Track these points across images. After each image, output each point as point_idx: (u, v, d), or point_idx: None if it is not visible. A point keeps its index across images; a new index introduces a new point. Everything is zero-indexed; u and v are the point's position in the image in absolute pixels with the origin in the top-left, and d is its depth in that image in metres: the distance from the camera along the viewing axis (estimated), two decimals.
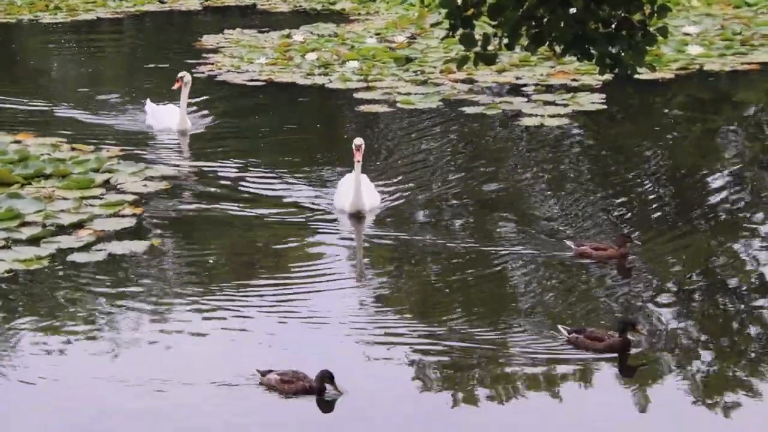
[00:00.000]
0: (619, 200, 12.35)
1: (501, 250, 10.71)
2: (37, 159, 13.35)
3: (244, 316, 9.37)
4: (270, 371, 8.20)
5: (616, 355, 8.46)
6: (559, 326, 8.79)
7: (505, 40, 5.71)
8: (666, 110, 16.56)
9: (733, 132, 15.45)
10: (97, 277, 10.28)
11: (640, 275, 10.27)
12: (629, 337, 8.50)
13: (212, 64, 18.93)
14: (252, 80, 17.84)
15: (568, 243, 10.63)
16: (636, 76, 6.12)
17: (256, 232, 11.40)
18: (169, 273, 10.48)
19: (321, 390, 8.07)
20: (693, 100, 17.20)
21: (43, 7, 23.70)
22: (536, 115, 15.37)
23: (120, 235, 11.19)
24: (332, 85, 17.36)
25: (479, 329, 8.99)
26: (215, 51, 19.89)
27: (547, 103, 15.95)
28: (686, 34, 19.77)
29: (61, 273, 10.35)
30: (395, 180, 12.83)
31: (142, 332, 9.14)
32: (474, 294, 9.85)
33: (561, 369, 8.36)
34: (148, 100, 15.42)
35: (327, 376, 8.02)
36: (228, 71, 18.38)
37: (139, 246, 10.89)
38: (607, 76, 6.08)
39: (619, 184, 12.88)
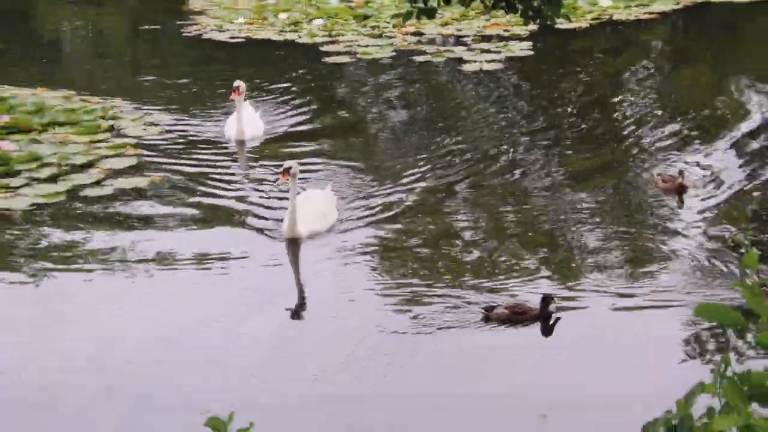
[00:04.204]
0: (547, 130, 12.37)
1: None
2: (51, 109, 13.14)
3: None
4: (495, 306, 7.50)
5: None
6: None
7: None
8: (583, 54, 16.51)
9: (639, 70, 15.46)
10: (107, 208, 10.19)
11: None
12: None
13: (198, 24, 18.61)
14: (233, 38, 17.56)
15: (655, 173, 9.96)
16: (556, 26, 6.04)
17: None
18: (168, 205, 10.36)
19: (548, 315, 7.41)
20: (605, 44, 17.15)
21: None
22: (475, 62, 15.28)
23: (124, 172, 11.08)
24: (302, 41, 17.13)
25: None
26: (200, 13, 19.53)
27: (484, 51, 15.85)
28: None
29: (76, 205, 10.25)
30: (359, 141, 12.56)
31: (150, 259, 8.99)
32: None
33: None
34: (247, 103, 12.35)
35: (550, 299, 7.37)
36: (212, 30, 18.08)
37: (140, 181, 10.79)
38: (533, 27, 6.00)
39: (546, 117, 12.89)
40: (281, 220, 9.29)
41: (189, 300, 8.18)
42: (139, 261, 8.91)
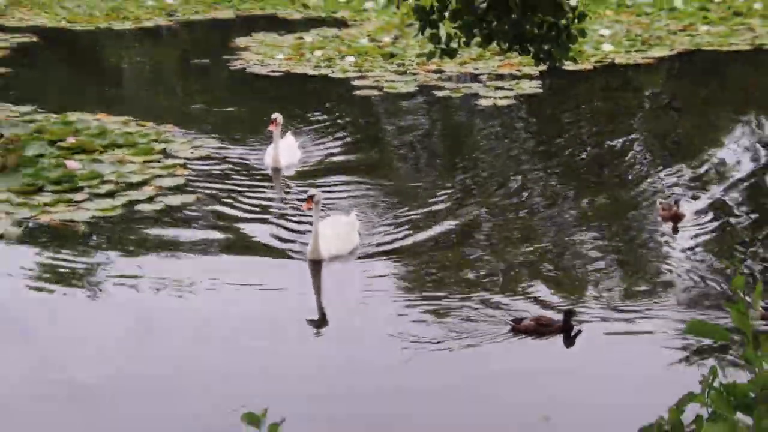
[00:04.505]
0: (554, 162, 12.33)
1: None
2: (111, 132, 13.25)
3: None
4: (522, 319, 7.30)
5: None
6: None
7: (463, 39, 5.63)
8: (587, 93, 16.47)
9: (638, 108, 15.40)
10: (158, 221, 10.23)
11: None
12: None
13: (243, 59, 18.74)
14: (273, 71, 17.66)
15: (658, 202, 9.78)
16: (564, 67, 6.04)
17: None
18: (208, 220, 10.37)
19: (570, 327, 7.21)
20: (607, 85, 17.09)
21: (115, 17, 23.37)
22: (490, 97, 15.27)
23: (174, 189, 11.13)
24: (334, 75, 17.19)
25: None
26: (245, 49, 19.66)
27: (497, 87, 15.84)
28: (601, 36, 19.62)
29: (130, 218, 10.30)
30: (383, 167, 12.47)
31: (189, 267, 9.01)
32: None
33: None
34: (289, 134, 12.48)
35: (572, 312, 7.16)
36: (255, 64, 18.19)
37: (188, 198, 10.84)
38: (542, 67, 6.00)
39: (553, 150, 12.86)
40: (306, 243, 9.20)
41: (218, 306, 8.14)
42: (180, 268, 8.93)
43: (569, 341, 7.26)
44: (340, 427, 6.32)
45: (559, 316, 7.38)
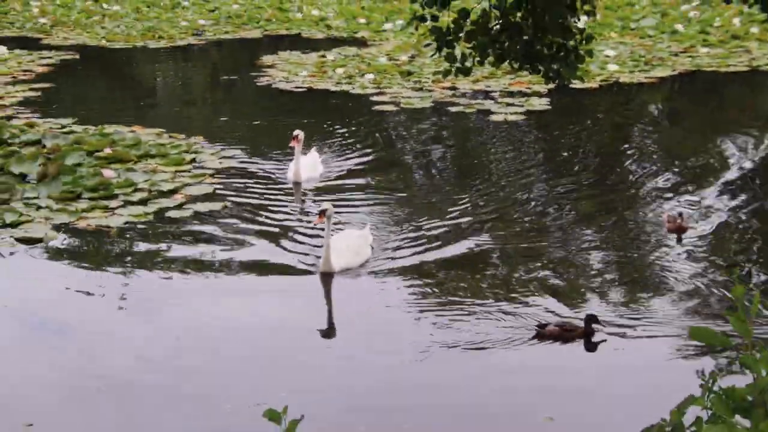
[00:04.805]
0: (562, 175, 12.28)
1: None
2: (145, 144, 13.32)
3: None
4: (547, 324, 7.12)
5: None
6: None
7: (477, 58, 5.63)
8: (593, 110, 16.41)
9: (641, 125, 15.33)
10: (186, 227, 10.25)
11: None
12: None
13: (269, 76, 18.80)
14: (297, 87, 17.71)
15: (665, 214, 9.66)
16: (571, 85, 6.03)
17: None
18: (230, 229, 10.34)
19: (592, 332, 7.02)
20: (612, 102, 17.03)
21: (151, 37, 23.52)
22: (501, 113, 15.24)
23: (202, 198, 11.14)
24: (354, 91, 17.21)
25: None
26: (271, 66, 19.73)
27: (509, 104, 15.81)
28: (607, 56, 19.56)
29: (161, 224, 10.32)
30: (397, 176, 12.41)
31: (211, 272, 8.99)
32: None
33: None
34: (313, 149, 12.55)
35: (593, 318, 6.96)
36: (280, 81, 18.24)
37: (215, 206, 10.85)
38: (551, 85, 5.97)
39: (562, 164, 12.81)
40: (319, 256, 9.02)
41: (230, 312, 8.08)
42: (199, 274, 8.91)
43: (591, 346, 7.09)
44: (342, 427, 6.24)
45: (582, 322, 7.24)
